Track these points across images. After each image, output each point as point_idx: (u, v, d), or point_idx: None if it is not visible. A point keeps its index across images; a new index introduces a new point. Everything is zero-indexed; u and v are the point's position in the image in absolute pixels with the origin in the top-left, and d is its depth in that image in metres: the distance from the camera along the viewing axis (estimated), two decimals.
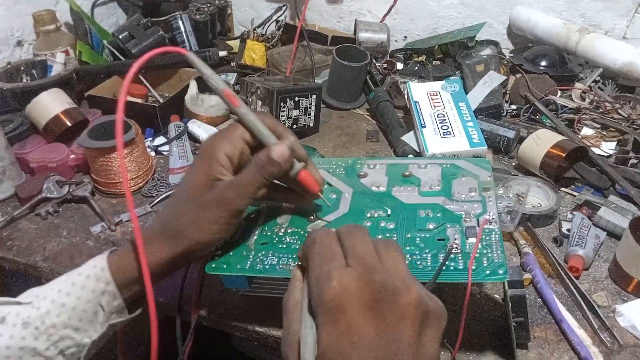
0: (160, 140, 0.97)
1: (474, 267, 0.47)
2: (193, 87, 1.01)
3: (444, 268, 0.47)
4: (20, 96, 0.95)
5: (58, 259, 0.71)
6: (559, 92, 1.03)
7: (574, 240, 0.69)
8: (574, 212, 0.76)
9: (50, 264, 0.70)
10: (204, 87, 1.02)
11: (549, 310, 0.61)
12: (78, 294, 0.46)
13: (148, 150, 0.92)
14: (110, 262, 0.47)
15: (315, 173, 0.51)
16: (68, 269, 0.67)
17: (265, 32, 1.28)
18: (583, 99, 1.01)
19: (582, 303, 0.61)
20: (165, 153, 0.95)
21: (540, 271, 0.65)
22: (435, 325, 0.34)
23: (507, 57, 1.14)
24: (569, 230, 0.73)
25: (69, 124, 0.89)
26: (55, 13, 1.14)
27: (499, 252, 0.48)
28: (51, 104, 0.90)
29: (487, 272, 0.46)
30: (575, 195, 0.81)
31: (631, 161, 0.85)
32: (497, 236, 0.50)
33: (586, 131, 0.93)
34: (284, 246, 0.52)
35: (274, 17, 1.30)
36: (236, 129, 0.48)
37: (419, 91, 0.95)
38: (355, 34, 1.28)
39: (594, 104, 0.99)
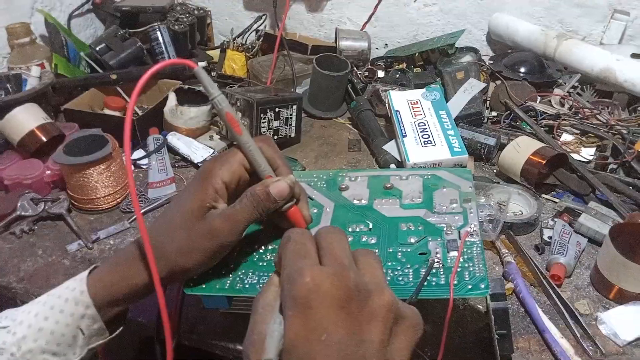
0: (139, 153, 0.95)
1: (455, 282, 0.46)
2: (172, 98, 1.00)
3: (425, 283, 0.46)
4: None
5: (33, 279, 0.69)
6: (539, 98, 1.04)
7: (555, 248, 0.69)
8: (555, 219, 0.76)
9: (24, 285, 0.68)
10: (184, 99, 1.01)
11: (532, 320, 0.61)
12: (56, 318, 0.45)
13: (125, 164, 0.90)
14: (90, 284, 0.46)
15: (305, 211, 0.50)
16: (43, 290, 0.65)
17: (245, 42, 1.27)
18: (562, 105, 1.02)
19: (565, 311, 0.61)
20: (144, 167, 0.93)
21: (522, 280, 0.65)
22: (409, 333, 0.33)
23: (487, 64, 1.15)
24: (550, 237, 0.73)
25: (44, 139, 0.87)
26: (30, 25, 1.12)
27: (481, 265, 0.47)
28: (26, 119, 0.88)
29: (469, 287, 0.46)
30: (556, 202, 0.81)
31: (610, 166, 0.86)
32: (478, 249, 0.49)
33: (566, 137, 0.94)
34: (264, 264, 0.51)
35: (254, 27, 1.29)
36: (236, 154, 0.47)
37: (399, 100, 0.95)
38: (335, 42, 1.28)
39: (573, 109, 1.00)
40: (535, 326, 0.60)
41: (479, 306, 0.63)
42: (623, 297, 0.63)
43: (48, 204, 0.79)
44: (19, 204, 0.78)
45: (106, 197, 0.81)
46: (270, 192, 0.45)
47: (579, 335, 0.58)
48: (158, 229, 0.47)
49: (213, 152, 0.94)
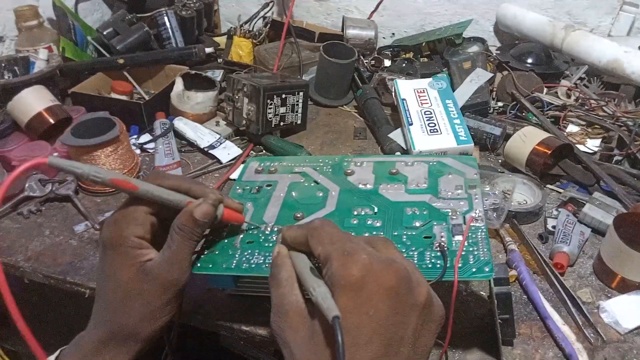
0: (145, 137, 0.96)
1: (460, 265, 0.47)
2: (179, 84, 1.00)
3: (430, 266, 0.47)
4: (2, 93, 0.93)
5: (40, 258, 0.69)
6: (545, 90, 1.03)
7: (559, 237, 0.69)
8: (559, 209, 0.76)
9: (32, 264, 0.68)
10: (191, 84, 1.01)
11: (534, 307, 0.61)
12: None
13: (133, 148, 0.91)
14: None
15: (233, 204, 0.49)
16: (50, 269, 0.67)
17: (252, 29, 1.27)
18: (569, 96, 1.02)
19: (567, 299, 0.61)
20: (151, 151, 0.94)
21: (525, 268, 0.65)
22: (435, 323, 0.37)
23: (494, 54, 1.15)
24: (554, 227, 0.73)
25: (52, 121, 0.88)
26: (38, 8, 1.12)
27: (485, 249, 0.48)
28: (34, 101, 0.88)
29: (473, 269, 0.46)
30: (560, 192, 0.81)
31: (615, 158, 0.86)
32: (483, 234, 0.50)
33: (571, 128, 0.94)
34: (270, 245, 0.52)
35: (261, 14, 1.29)
36: (137, 207, 0.45)
37: (406, 88, 0.95)
38: (342, 30, 1.27)
39: (580, 101, 1.00)
40: (537, 313, 0.60)
41: (481, 292, 0.63)
42: (625, 286, 0.63)
43: (55, 185, 0.80)
44: (26, 185, 0.79)
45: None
46: (197, 217, 0.44)
47: (580, 323, 0.59)
48: (106, 312, 0.45)
49: (219, 137, 0.94)
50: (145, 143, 0.94)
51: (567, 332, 0.58)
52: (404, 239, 0.50)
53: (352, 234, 0.40)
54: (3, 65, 1.03)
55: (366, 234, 0.52)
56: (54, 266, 0.68)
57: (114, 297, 0.44)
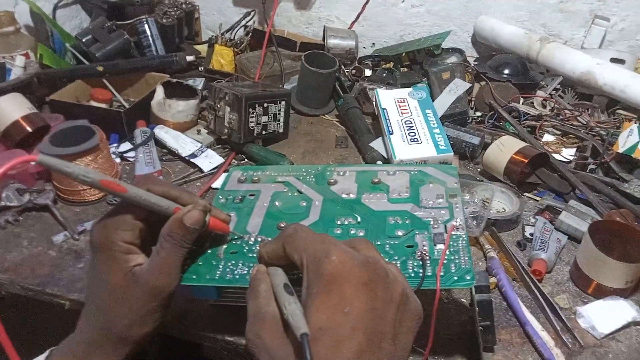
0: (125, 146, 0.95)
1: (442, 274, 0.47)
2: (160, 92, 0.99)
3: (412, 275, 0.47)
4: None
5: (19, 270, 0.68)
6: (521, 100, 1.06)
7: (536, 244, 0.71)
8: (537, 217, 0.78)
9: (10, 276, 0.67)
10: (172, 92, 1.00)
11: (514, 313, 0.63)
12: None
13: (113, 156, 0.90)
14: None
15: (220, 214, 0.50)
16: (29, 280, 0.65)
17: (234, 37, 1.27)
18: (544, 107, 1.05)
19: (545, 305, 0.63)
20: (131, 160, 0.93)
21: (505, 275, 0.67)
22: (413, 320, 0.37)
23: (472, 65, 1.17)
24: (531, 234, 0.75)
25: (29, 129, 0.87)
26: (14, 14, 1.10)
27: (467, 258, 0.49)
28: (10, 109, 0.87)
29: (455, 278, 0.47)
30: (537, 200, 0.83)
31: (590, 167, 0.88)
32: (464, 242, 0.51)
33: (547, 138, 0.96)
34: (254, 255, 0.52)
35: (243, 22, 1.29)
36: (126, 212, 0.44)
37: (387, 98, 0.96)
38: (324, 40, 1.29)
39: (555, 111, 1.03)
40: (517, 319, 0.62)
41: (462, 300, 0.64)
42: (601, 292, 0.65)
43: (34, 195, 0.78)
44: (3, 195, 0.77)
45: (92, 189, 0.80)
46: (187, 224, 0.44)
47: (558, 329, 0.60)
48: (96, 314, 0.45)
49: (201, 146, 0.94)
50: (126, 152, 0.93)
51: (546, 337, 0.59)
52: (387, 248, 0.51)
53: (328, 235, 0.39)
54: None
55: None
56: (32, 277, 0.67)
57: (103, 301, 0.44)
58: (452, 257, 0.49)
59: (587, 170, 0.88)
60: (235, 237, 0.54)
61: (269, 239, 0.52)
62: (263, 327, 0.36)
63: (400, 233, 0.53)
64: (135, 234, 0.45)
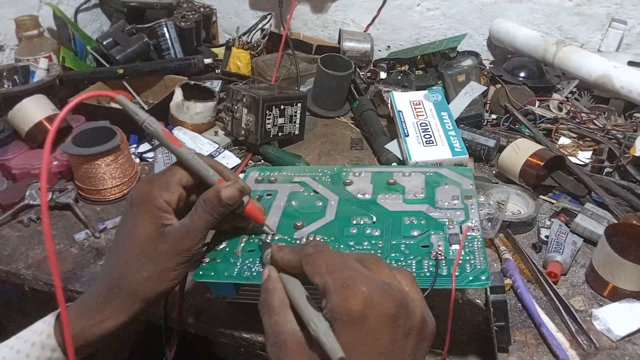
0: (144, 147, 0.97)
1: (457, 274, 0.48)
2: (178, 94, 1.01)
3: (428, 275, 0.48)
4: (2, 102, 0.94)
5: (41, 266, 0.70)
6: (537, 103, 1.06)
7: (552, 246, 0.71)
8: (552, 219, 0.78)
9: (33, 272, 0.69)
10: (190, 94, 1.02)
11: (529, 315, 0.63)
12: None
13: (132, 157, 0.92)
14: (58, 329, 0.45)
15: (258, 204, 0.52)
16: (51, 277, 0.67)
17: (251, 40, 1.29)
18: (560, 110, 1.05)
19: (560, 307, 0.63)
20: (150, 160, 0.95)
21: (520, 276, 0.67)
22: (428, 340, 0.38)
23: (488, 68, 1.17)
24: (547, 236, 0.75)
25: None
26: (38, 18, 1.13)
27: (482, 258, 0.49)
28: (34, 110, 0.89)
29: (470, 278, 0.48)
30: (553, 203, 0.83)
31: (606, 170, 0.88)
32: (479, 243, 0.51)
33: (563, 140, 0.96)
34: None
35: (259, 26, 1.31)
36: (173, 174, 0.47)
37: (402, 100, 0.96)
38: (339, 43, 1.30)
39: (571, 114, 1.02)
40: (532, 320, 0.62)
41: (477, 300, 0.64)
42: (617, 295, 0.65)
43: (56, 194, 0.81)
44: (27, 193, 0.79)
45: (113, 188, 0.82)
46: (222, 197, 0.46)
47: (574, 330, 0.60)
48: (115, 267, 0.46)
49: (218, 147, 0.95)
50: (145, 152, 0.95)
51: (561, 339, 0.59)
52: (402, 248, 0.52)
53: (349, 257, 0.39)
54: (3, 74, 1.04)
55: (365, 243, 0.53)
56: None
57: (128, 252, 0.46)
58: (468, 258, 0.50)
59: (603, 174, 0.88)
60: (270, 233, 0.55)
61: (283, 242, 0.54)
62: (284, 350, 0.36)
63: (415, 233, 0.53)
64: (175, 197, 0.47)
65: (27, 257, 0.71)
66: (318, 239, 0.54)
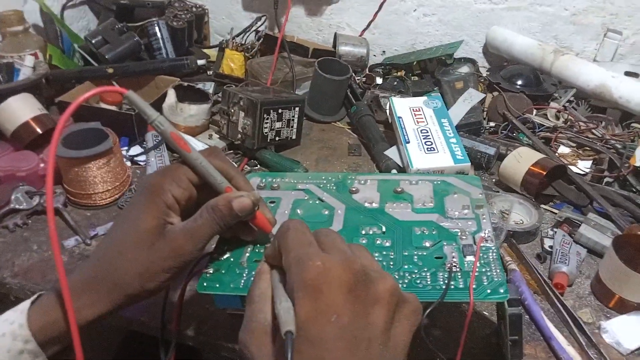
0: (136, 149, 0.93)
1: (474, 286, 0.46)
2: (171, 95, 0.98)
3: (444, 287, 0.46)
4: None
5: (28, 274, 0.66)
6: (535, 111, 1.05)
7: (557, 257, 0.70)
8: (555, 229, 0.77)
9: (20, 280, 0.65)
10: (183, 96, 0.99)
11: (537, 327, 0.61)
12: None
13: (124, 160, 0.88)
14: (34, 319, 0.42)
15: (268, 214, 0.50)
16: (39, 286, 0.64)
17: (245, 42, 1.26)
18: (558, 118, 1.04)
19: (569, 320, 0.62)
20: (142, 163, 0.91)
21: (527, 288, 0.66)
22: (411, 317, 0.36)
23: (485, 75, 1.16)
24: (551, 246, 0.74)
25: (39, 131, 0.85)
26: (23, 13, 1.09)
27: (498, 270, 0.48)
28: (20, 110, 0.85)
29: (488, 291, 0.46)
30: (555, 213, 0.82)
31: (606, 179, 0.88)
32: (494, 254, 0.50)
33: (563, 149, 0.96)
34: None
35: (254, 27, 1.28)
36: (185, 170, 0.46)
37: (402, 106, 0.95)
38: (334, 47, 1.28)
39: (569, 123, 1.02)
40: (541, 333, 0.60)
41: (485, 312, 0.63)
42: (624, 307, 0.64)
43: (43, 198, 0.77)
44: (12, 197, 0.75)
45: (104, 193, 0.79)
46: (234, 207, 0.44)
47: (583, 344, 0.59)
48: (107, 253, 0.44)
49: None
50: (137, 155, 0.91)
51: (572, 352, 0.58)
52: (415, 259, 0.50)
53: (324, 233, 0.39)
54: None
55: (376, 254, 0.51)
56: (43, 283, 0.65)
57: (116, 241, 0.44)
58: (484, 270, 0.48)
59: (603, 183, 0.87)
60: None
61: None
62: (252, 337, 0.36)
63: (427, 244, 0.51)
64: (185, 195, 0.45)
65: (13, 265, 0.68)
66: None
